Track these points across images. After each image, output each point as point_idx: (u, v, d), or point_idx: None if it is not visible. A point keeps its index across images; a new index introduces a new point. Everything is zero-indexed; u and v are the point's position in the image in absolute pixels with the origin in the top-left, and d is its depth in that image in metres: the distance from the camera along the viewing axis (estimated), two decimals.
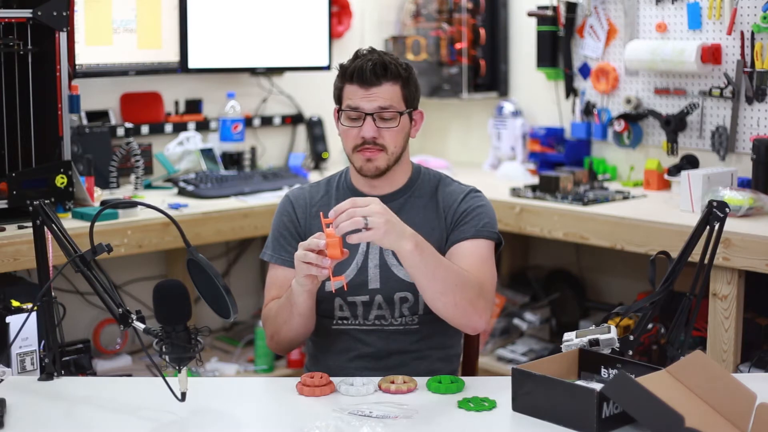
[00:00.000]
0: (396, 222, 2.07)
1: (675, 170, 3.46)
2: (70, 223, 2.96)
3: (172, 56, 3.73)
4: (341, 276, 2.15)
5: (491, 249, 2.33)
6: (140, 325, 1.94)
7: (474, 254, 2.28)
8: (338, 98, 2.33)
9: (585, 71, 3.89)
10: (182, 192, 3.52)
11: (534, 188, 3.51)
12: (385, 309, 2.33)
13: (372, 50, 2.32)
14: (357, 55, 2.30)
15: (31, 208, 2.10)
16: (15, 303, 2.41)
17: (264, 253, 2.42)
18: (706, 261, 2.11)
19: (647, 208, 3.26)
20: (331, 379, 2.03)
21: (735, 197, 2.98)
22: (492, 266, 2.31)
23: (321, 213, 2.13)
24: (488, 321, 2.28)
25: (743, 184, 3.23)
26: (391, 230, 2.05)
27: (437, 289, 2.15)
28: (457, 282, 2.16)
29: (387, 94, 2.27)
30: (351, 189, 2.40)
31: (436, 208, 2.36)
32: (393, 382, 2.02)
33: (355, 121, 2.28)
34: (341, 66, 2.32)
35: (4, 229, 2.84)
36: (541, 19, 3.94)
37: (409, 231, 2.10)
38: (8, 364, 2.20)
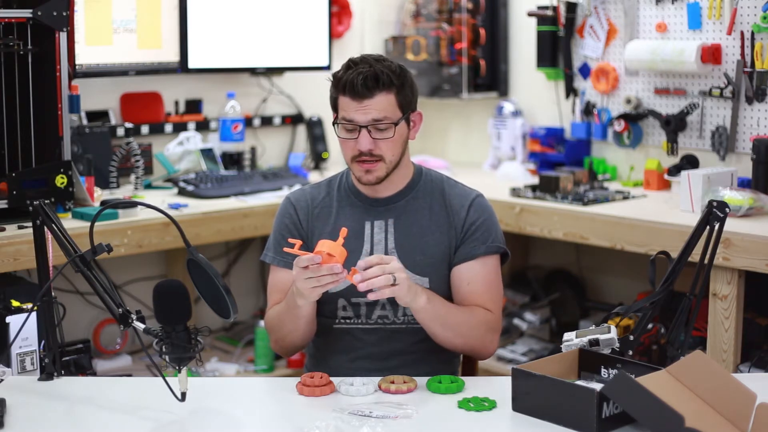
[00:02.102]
0: (411, 281, 2.15)
1: (675, 170, 3.46)
2: (70, 223, 2.96)
3: (172, 56, 3.73)
4: (351, 271, 2.12)
5: (498, 263, 2.38)
6: (140, 325, 1.94)
7: (481, 275, 2.33)
8: (334, 107, 2.33)
9: (585, 71, 3.89)
10: (182, 192, 3.51)
11: (534, 188, 3.51)
12: (388, 309, 2.33)
13: (363, 59, 2.27)
14: (348, 66, 2.27)
15: (31, 208, 2.10)
16: (15, 303, 2.41)
17: (265, 255, 2.42)
18: (706, 261, 2.11)
19: (647, 208, 3.26)
20: (331, 379, 2.04)
21: (735, 197, 2.98)
22: (499, 285, 2.37)
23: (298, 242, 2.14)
24: (496, 347, 2.36)
25: (743, 184, 3.23)
26: (412, 286, 2.14)
27: (449, 335, 2.25)
28: (468, 325, 2.26)
29: (380, 105, 2.24)
30: (352, 190, 2.40)
31: (445, 212, 2.36)
32: (393, 382, 2.02)
33: (351, 132, 2.27)
34: (334, 77, 2.30)
35: (4, 229, 2.84)
36: (541, 19, 3.94)
37: (420, 287, 2.19)
38: (8, 364, 2.20)
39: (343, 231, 2.10)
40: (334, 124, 2.32)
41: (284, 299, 2.31)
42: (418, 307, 2.18)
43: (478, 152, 4.36)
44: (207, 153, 3.75)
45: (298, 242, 2.09)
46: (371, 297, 2.10)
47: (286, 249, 2.14)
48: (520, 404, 1.88)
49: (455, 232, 2.34)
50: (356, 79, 2.22)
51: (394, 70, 2.26)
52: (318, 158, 4.19)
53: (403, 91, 2.28)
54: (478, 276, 2.32)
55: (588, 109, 3.89)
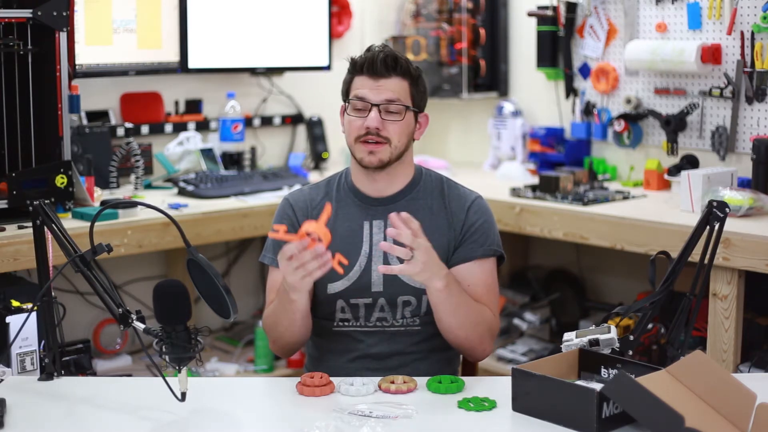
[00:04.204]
0: (433, 263, 2.13)
1: (675, 170, 3.46)
2: (70, 223, 2.96)
3: (172, 56, 3.73)
4: (342, 261, 2.06)
5: (495, 266, 2.39)
6: (140, 325, 1.94)
7: (481, 278, 2.33)
8: (346, 92, 2.33)
9: (585, 71, 3.89)
10: (182, 192, 3.52)
11: (534, 188, 3.51)
12: (387, 311, 2.33)
13: (385, 45, 2.33)
14: (369, 49, 2.32)
15: (31, 208, 2.10)
16: (15, 303, 2.41)
17: (264, 256, 2.41)
18: (706, 261, 2.11)
19: (647, 208, 3.26)
20: (331, 379, 2.03)
21: (735, 197, 2.98)
22: (497, 288, 2.38)
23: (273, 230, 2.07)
24: (490, 352, 2.38)
25: (743, 184, 3.23)
26: (426, 270, 2.12)
27: (454, 323, 2.24)
28: (473, 320, 2.26)
29: (395, 86, 2.27)
30: (352, 189, 2.39)
31: (445, 212, 2.36)
32: (393, 382, 2.02)
33: (361, 111, 2.28)
34: (352, 59, 2.33)
35: (4, 229, 2.84)
36: (541, 19, 3.94)
37: (443, 271, 2.16)
38: (8, 364, 2.20)
39: (327, 207, 2.03)
40: (345, 104, 2.32)
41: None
42: (432, 289, 2.18)
43: (478, 152, 4.36)
44: (207, 153, 3.75)
45: (283, 227, 2.01)
46: (380, 269, 2.10)
47: (271, 234, 2.09)
48: (520, 404, 1.88)
49: (454, 233, 2.34)
50: (377, 57, 2.27)
51: (412, 63, 2.33)
52: (318, 158, 4.19)
53: (417, 86, 2.32)
54: (477, 278, 2.33)
55: (588, 109, 3.89)
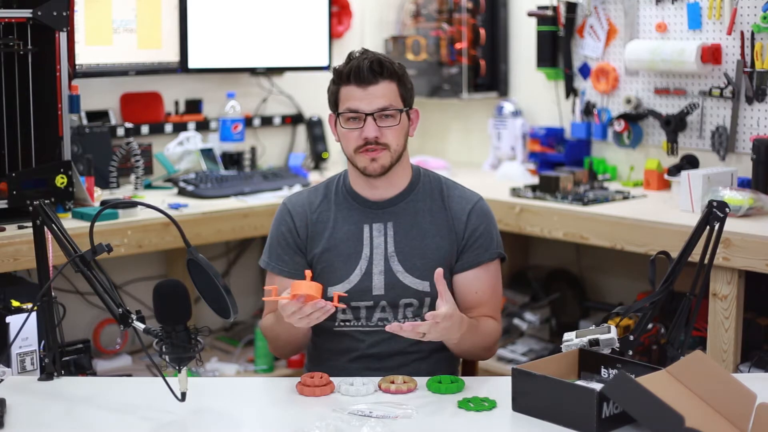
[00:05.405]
0: (449, 333, 2.11)
1: (675, 170, 3.46)
2: (70, 223, 2.96)
3: (172, 56, 3.73)
4: (339, 296, 2.12)
5: (499, 267, 2.41)
6: (140, 325, 1.95)
7: (487, 282, 2.36)
8: (334, 103, 2.32)
9: (585, 71, 3.89)
10: (182, 192, 3.51)
11: (534, 188, 3.51)
12: (388, 312, 2.33)
13: (365, 51, 2.31)
14: (351, 57, 2.29)
15: (31, 208, 2.10)
16: (15, 303, 2.41)
17: (262, 260, 2.42)
18: (706, 261, 2.11)
19: (647, 208, 3.26)
20: (331, 379, 2.04)
21: (735, 197, 2.98)
22: (501, 290, 2.43)
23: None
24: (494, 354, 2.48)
25: (743, 184, 3.23)
26: (441, 338, 2.13)
27: (462, 354, 2.36)
28: (483, 346, 2.33)
29: (385, 92, 2.26)
30: (351, 193, 2.38)
31: (445, 214, 2.36)
32: (393, 382, 2.02)
33: (356, 122, 2.27)
34: (336, 69, 2.31)
35: (4, 229, 2.84)
36: (541, 19, 3.94)
37: (458, 334, 2.15)
38: (8, 364, 2.20)
39: (308, 274, 2.07)
40: (336, 116, 2.30)
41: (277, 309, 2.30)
42: (447, 343, 2.25)
43: (478, 152, 4.36)
44: (207, 153, 3.75)
45: (274, 288, 2.11)
46: (388, 329, 2.05)
47: (264, 298, 2.16)
48: (520, 404, 1.88)
49: (456, 237, 2.34)
50: (362, 64, 2.24)
51: (394, 62, 2.31)
52: (318, 158, 4.19)
53: (404, 84, 2.31)
54: (484, 283, 2.35)
55: (588, 109, 3.89)
